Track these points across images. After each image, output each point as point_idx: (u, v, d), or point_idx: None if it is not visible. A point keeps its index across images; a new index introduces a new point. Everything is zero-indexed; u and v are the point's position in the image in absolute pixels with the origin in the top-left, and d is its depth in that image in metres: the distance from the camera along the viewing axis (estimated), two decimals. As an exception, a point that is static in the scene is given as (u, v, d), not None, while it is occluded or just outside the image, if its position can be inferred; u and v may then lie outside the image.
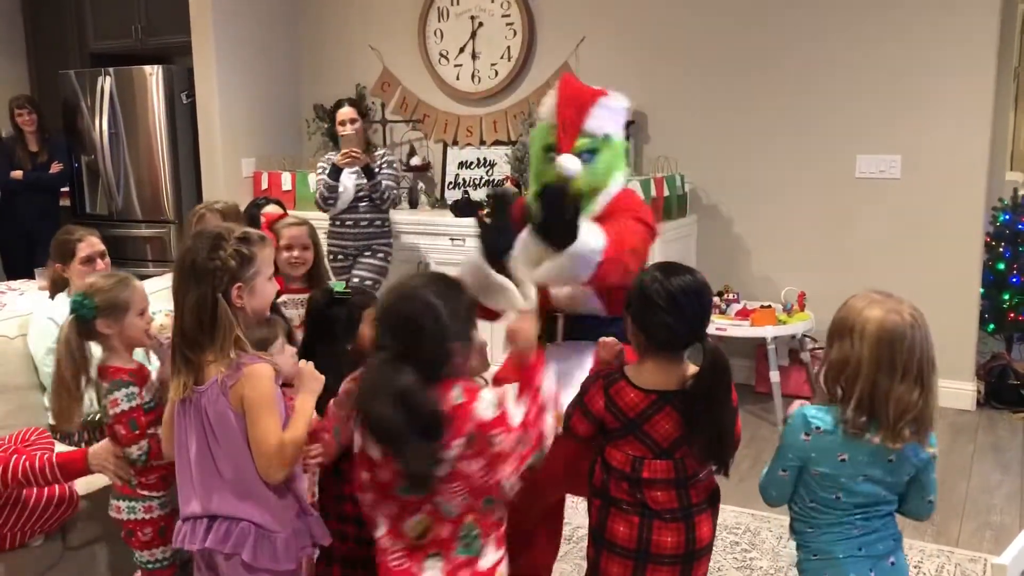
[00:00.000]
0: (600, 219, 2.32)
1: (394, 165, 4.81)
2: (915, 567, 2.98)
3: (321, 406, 2.05)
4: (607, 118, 2.35)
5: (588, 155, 2.32)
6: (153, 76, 5.77)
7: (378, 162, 4.70)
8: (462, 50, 5.50)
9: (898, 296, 1.83)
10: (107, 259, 3.08)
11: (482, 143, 5.47)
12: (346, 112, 4.74)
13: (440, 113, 5.62)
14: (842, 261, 4.60)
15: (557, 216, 2.13)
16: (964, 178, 4.38)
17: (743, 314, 4.44)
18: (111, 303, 2.21)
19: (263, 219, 3.31)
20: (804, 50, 4.63)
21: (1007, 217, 4.92)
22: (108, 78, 5.92)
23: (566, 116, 2.34)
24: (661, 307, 1.87)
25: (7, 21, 6.83)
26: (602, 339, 2.10)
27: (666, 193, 4.65)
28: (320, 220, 4.25)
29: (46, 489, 2.36)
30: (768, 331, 4.31)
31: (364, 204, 4.67)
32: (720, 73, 4.83)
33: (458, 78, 5.53)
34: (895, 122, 4.48)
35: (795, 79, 4.67)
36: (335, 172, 4.58)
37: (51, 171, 5.93)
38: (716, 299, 4.49)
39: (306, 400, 1.99)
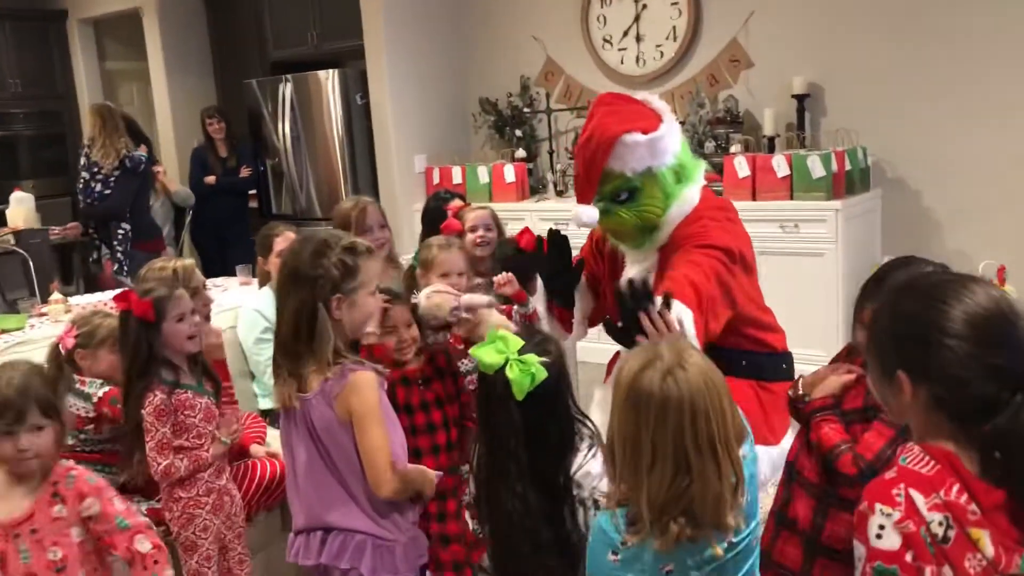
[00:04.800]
0: (668, 251, 2.20)
1: (143, 160, 5.14)
2: None
3: None
4: (638, 155, 2.15)
5: (626, 194, 2.17)
6: (328, 80, 6.04)
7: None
8: (626, 33, 5.45)
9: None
10: None
11: (649, 126, 5.41)
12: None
13: (605, 99, 5.60)
14: (1047, 231, 4.27)
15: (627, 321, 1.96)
16: None
17: (936, 291, 4.19)
18: (425, 260, 2.59)
19: (449, 212, 3.41)
20: (994, 8, 4.31)
21: None
22: (288, 84, 6.24)
23: (579, 169, 2.20)
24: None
25: (196, 39, 7.34)
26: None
27: (847, 167, 4.46)
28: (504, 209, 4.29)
29: (268, 466, 2.53)
30: (966, 308, 4.04)
31: None
32: (900, 38, 4.57)
33: (622, 62, 5.49)
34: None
35: (985, 40, 4.35)
36: None
37: (240, 175, 6.30)
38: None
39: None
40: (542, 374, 1.70)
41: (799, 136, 4.75)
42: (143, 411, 2.21)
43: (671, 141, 2.22)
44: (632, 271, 2.27)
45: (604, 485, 1.74)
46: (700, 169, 2.34)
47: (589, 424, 1.83)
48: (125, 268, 5.33)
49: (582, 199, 2.20)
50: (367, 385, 1.84)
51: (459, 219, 3.04)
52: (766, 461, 2.16)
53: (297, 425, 1.88)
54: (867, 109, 4.68)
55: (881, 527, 1.29)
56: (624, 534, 1.49)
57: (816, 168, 4.35)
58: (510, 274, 2.58)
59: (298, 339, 1.84)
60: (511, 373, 1.69)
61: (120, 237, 5.34)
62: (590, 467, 1.76)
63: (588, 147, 2.18)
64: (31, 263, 4.70)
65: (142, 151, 5.41)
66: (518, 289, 2.57)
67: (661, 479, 1.42)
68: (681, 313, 1.97)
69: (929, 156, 4.58)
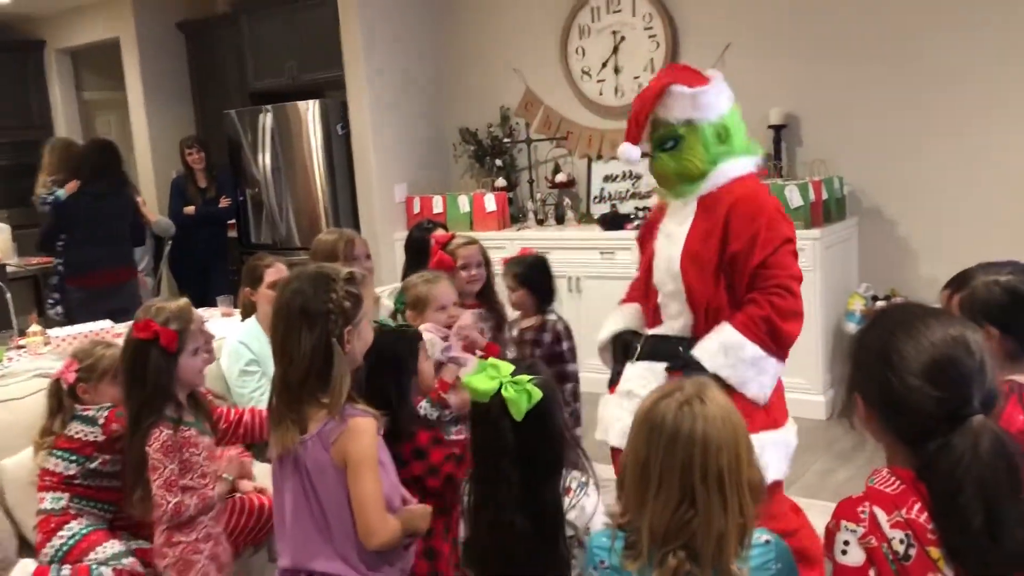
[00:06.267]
0: (711, 202, 2.36)
1: (47, 201, 5.16)
2: None
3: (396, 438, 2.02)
4: (682, 105, 2.37)
5: (672, 142, 2.38)
6: (309, 111, 6.05)
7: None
8: (604, 65, 5.53)
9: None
10: None
11: (628, 156, 5.48)
12: None
13: (584, 129, 5.66)
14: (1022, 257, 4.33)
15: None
16: None
17: (913, 318, 4.25)
18: (416, 299, 2.53)
19: (433, 241, 3.41)
20: (964, 38, 4.40)
21: None
22: (267, 115, 6.25)
23: (633, 110, 2.43)
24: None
25: (175, 69, 7.33)
26: None
27: (824, 196, 4.53)
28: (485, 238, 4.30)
29: (256, 501, 2.51)
30: (942, 335, 4.09)
31: None
32: (875, 69, 4.66)
33: (601, 93, 5.56)
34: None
35: (958, 69, 4.44)
36: None
37: (220, 205, 6.27)
38: (883, 303, 4.33)
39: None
40: (537, 393, 1.73)
41: (776, 166, 4.82)
42: (148, 448, 2.14)
43: (716, 101, 2.41)
44: (669, 225, 2.44)
45: (598, 522, 1.76)
46: (749, 144, 2.50)
47: (580, 451, 1.86)
48: (58, 306, 5.18)
49: (628, 139, 2.41)
50: (366, 431, 1.80)
51: (449, 253, 3.05)
52: (772, 444, 2.32)
53: (287, 467, 1.85)
54: (843, 139, 4.77)
55: (846, 543, 1.35)
56: (611, 554, 1.50)
57: (794, 198, 4.41)
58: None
59: (308, 380, 1.79)
60: (508, 394, 1.70)
61: (52, 273, 5.27)
62: (584, 503, 1.76)
63: (644, 94, 2.41)
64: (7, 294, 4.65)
65: (68, 188, 5.03)
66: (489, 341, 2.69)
67: (664, 506, 1.42)
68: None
69: (904, 185, 4.66)
